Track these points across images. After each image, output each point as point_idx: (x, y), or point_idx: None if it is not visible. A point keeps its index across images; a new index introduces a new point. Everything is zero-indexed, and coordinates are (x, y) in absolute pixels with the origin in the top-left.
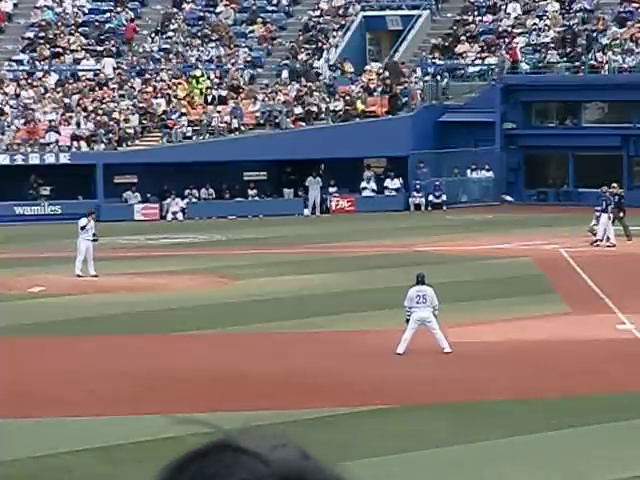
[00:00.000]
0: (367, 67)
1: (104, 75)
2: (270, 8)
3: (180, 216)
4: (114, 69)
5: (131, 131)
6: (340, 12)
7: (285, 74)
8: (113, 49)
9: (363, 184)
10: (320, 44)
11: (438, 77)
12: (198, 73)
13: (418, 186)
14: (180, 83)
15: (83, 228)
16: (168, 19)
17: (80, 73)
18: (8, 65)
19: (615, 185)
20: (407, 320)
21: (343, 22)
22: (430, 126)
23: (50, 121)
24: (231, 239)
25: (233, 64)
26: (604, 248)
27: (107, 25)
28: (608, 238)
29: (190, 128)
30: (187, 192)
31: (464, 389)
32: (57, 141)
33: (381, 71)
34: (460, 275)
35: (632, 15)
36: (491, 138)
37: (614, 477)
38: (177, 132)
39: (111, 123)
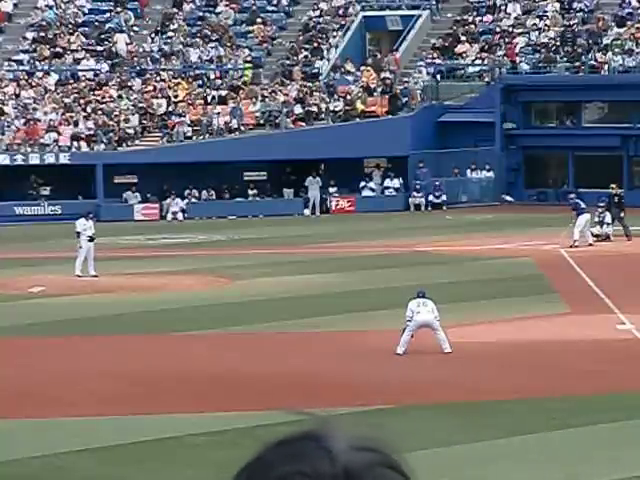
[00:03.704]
0: (362, 67)
1: (117, 49)
2: (270, 8)
3: (180, 216)
4: (127, 44)
5: (131, 131)
6: (340, 12)
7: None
8: (113, 49)
9: (363, 184)
10: (320, 44)
11: (438, 77)
12: (247, 66)
13: (418, 186)
14: (179, 83)
15: (79, 234)
16: (168, 19)
17: (80, 73)
18: (8, 65)
19: (614, 185)
20: (404, 329)
21: (343, 22)
22: (430, 126)
23: (50, 121)
24: (231, 239)
25: (286, 71)
26: (603, 248)
27: (107, 25)
28: (575, 240)
29: (190, 128)
30: (187, 192)
31: (464, 389)
32: (57, 141)
33: (371, 71)
34: (460, 275)
35: (632, 15)
36: (491, 138)
37: (614, 477)
38: (179, 132)
39: (111, 123)
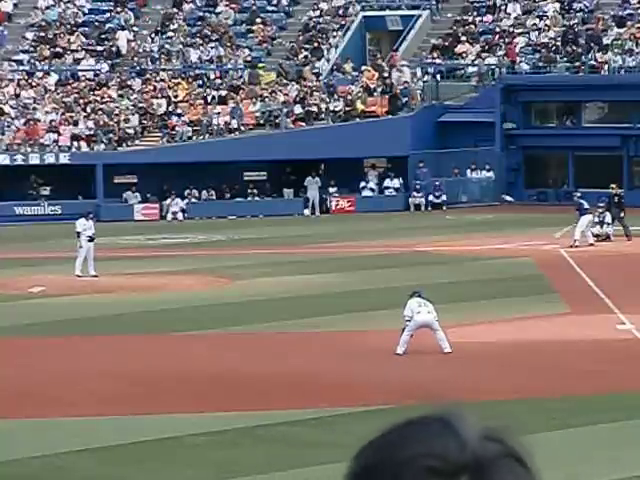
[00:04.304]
0: (363, 67)
1: (119, 46)
2: (270, 8)
3: (180, 216)
4: (128, 41)
5: (131, 131)
6: (340, 12)
7: (273, 75)
8: (113, 49)
9: (362, 184)
10: (320, 44)
11: (438, 77)
12: (260, 65)
13: (418, 186)
14: (179, 83)
15: (79, 234)
16: (168, 19)
17: (80, 73)
18: (8, 65)
19: (613, 186)
20: (403, 329)
21: (343, 22)
22: (430, 126)
23: (50, 121)
24: (231, 239)
25: (313, 80)
26: (603, 248)
27: (107, 25)
28: (575, 240)
29: (190, 128)
30: (187, 192)
31: (464, 389)
32: (57, 141)
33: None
34: (460, 275)
35: (632, 15)
36: (491, 138)
37: (614, 477)
38: (182, 132)
39: (111, 123)
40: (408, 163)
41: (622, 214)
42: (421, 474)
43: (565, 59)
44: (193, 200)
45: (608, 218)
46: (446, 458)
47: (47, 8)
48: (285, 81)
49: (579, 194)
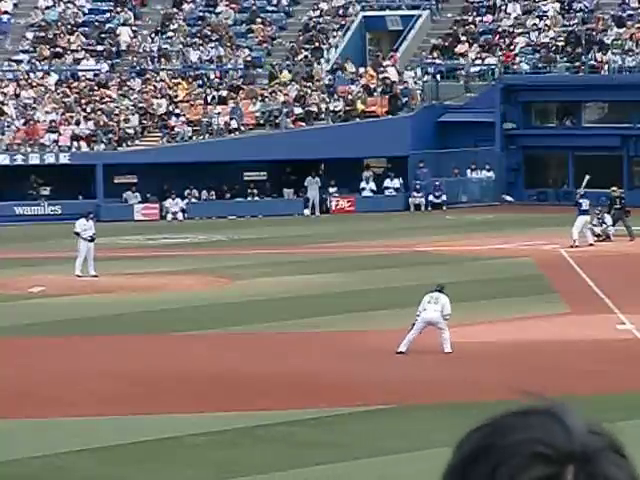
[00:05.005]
0: (361, 69)
1: (120, 42)
2: (270, 8)
3: (180, 216)
4: (130, 37)
5: (131, 131)
6: (340, 12)
7: (287, 74)
8: (113, 49)
9: (362, 184)
10: (320, 44)
11: (438, 77)
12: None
13: (418, 186)
14: (179, 83)
15: (78, 234)
16: (168, 19)
17: (80, 73)
18: (8, 65)
19: (614, 188)
20: (413, 324)
21: (343, 22)
22: (430, 126)
23: (51, 122)
24: (231, 239)
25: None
26: (603, 248)
27: (107, 25)
28: (574, 240)
29: (190, 128)
30: (187, 192)
31: (464, 389)
32: (57, 141)
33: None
34: (460, 275)
35: (632, 15)
36: (491, 138)
37: None
38: (183, 131)
39: (111, 123)
40: (408, 163)
41: (626, 215)
42: (528, 459)
43: (565, 59)
44: (193, 200)
45: (607, 218)
46: (554, 445)
47: (47, 8)
48: (284, 80)
49: (582, 192)
